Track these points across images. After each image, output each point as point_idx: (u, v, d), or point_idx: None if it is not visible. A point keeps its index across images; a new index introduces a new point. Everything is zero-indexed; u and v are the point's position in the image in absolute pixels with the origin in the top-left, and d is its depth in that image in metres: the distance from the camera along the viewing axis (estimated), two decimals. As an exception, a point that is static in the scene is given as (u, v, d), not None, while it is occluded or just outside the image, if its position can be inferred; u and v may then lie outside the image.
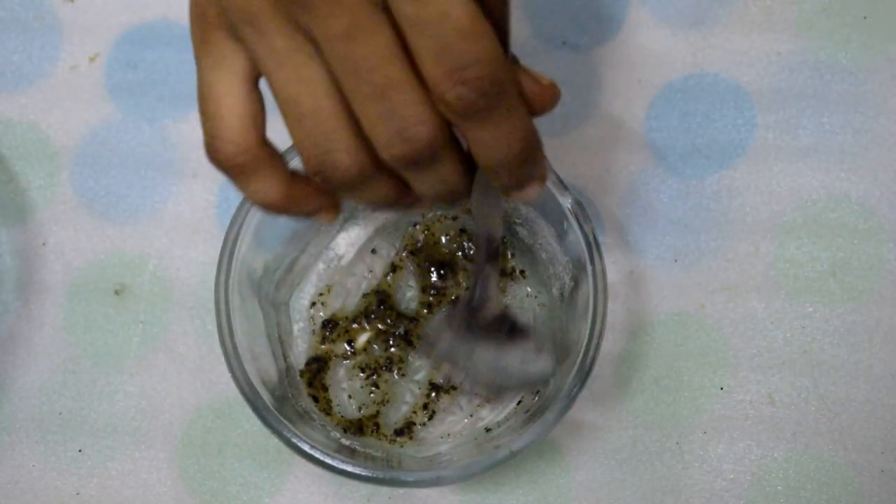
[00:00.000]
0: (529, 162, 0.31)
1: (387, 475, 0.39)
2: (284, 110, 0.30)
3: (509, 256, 0.46)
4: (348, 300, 0.46)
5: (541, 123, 0.48)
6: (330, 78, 0.29)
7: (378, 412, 0.45)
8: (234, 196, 0.47)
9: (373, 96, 0.28)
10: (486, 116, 0.29)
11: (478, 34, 0.27)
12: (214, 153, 0.31)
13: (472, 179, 0.32)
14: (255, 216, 0.42)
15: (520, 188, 0.32)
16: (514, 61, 0.30)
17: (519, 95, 0.30)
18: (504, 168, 0.31)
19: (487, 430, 0.44)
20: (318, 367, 0.45)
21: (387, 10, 0.27)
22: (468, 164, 0.31)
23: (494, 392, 0.44)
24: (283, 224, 0.44)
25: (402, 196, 0.32)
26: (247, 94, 0.31)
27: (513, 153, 0.30)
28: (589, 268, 0.41)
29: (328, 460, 0.39)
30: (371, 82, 0.28)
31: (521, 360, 0.42)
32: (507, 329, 0.43)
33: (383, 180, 0.31)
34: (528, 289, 0.46)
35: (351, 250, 0.47)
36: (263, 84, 0.31)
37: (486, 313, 0.42)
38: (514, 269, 0.46)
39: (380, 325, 0.46)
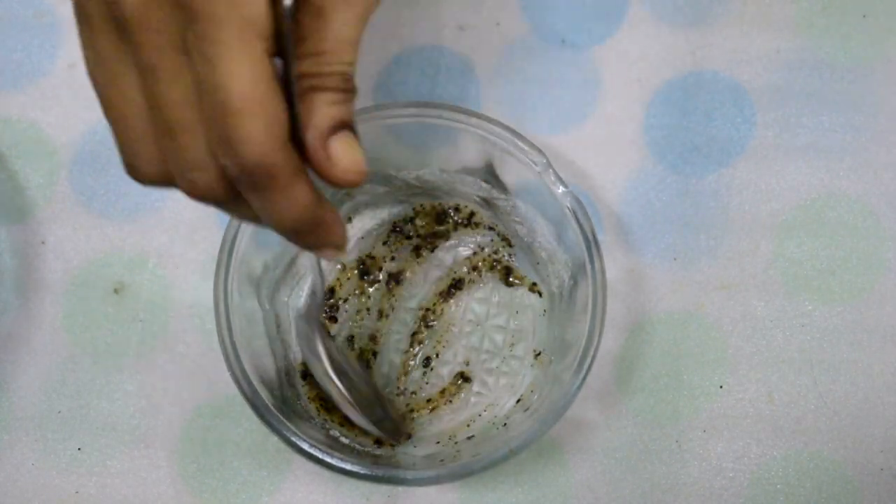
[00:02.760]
0: (312, 233, 0.30)
1: (386, 473, 0.39)
2: (100, 100, 0.29)
3: (507, 257, 0.46)
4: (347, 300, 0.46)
5: (539, 122, 0.48)
6: (142, 93, 0.28)
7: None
8: (234, 194, 0.47)
9: (165, 132, 0.28)
10: (253, 190, 0.28)
11: (250, 114, 0.26)
12: None
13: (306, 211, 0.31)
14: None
15: (310, 250, 0.32)
16: (344, 126, 0.29)
17: (300, 173, 0.29)
18: (283, 233, 0.31)
19: (488, 427, 0.44)
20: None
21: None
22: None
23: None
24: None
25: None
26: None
27: (287, 226, 0.30)
28: (588, 266, 0.41)
29: (327, 459, 0.39)
30: (164, 119, 0.28)
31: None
32: None
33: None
34: (528, 287, 0.46)
35: (351, 249, 0.47)
36: None
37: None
38: (509, 272, 0.46)
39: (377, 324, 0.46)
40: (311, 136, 0.29)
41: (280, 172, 0.28)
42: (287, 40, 0.27)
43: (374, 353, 0.46)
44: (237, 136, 0.27)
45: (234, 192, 0.29)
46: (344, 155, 0.30)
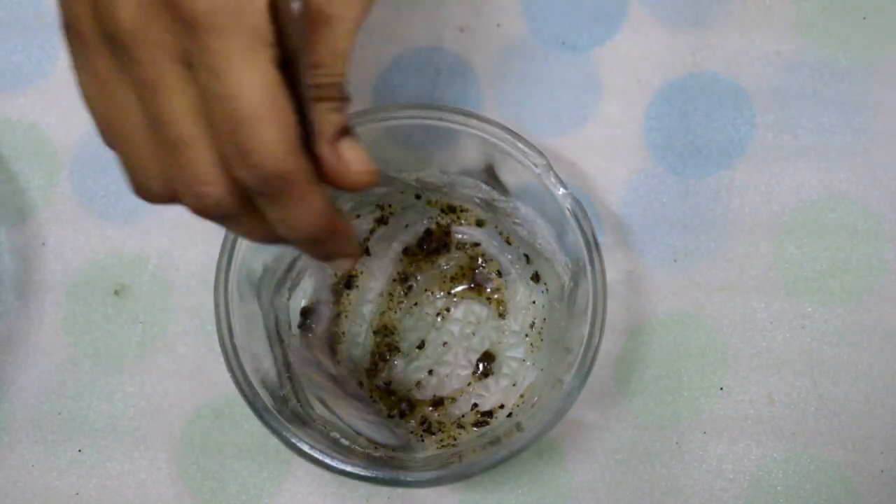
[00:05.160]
0: (327, 242, 0.30)
1: (386, 475, 0.39)
2: (97, 123, 0.29)
3: (513, 254, 0.47)
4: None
5: (540, 124, 0.48)
6: (142, 111, 0.28)
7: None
8: (234, 196, 0.47)
9: (168, 148, 0.28)
10: (270, 200, 0.28)
11: (264, 120, 0.26)
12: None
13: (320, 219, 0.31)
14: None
15: (324, 261, 0.32)
16: (346, 132, 0.30)
17: (314, 180, 0.29)
18: (299, 244, 0.31)
19: (488, 426, 0.44)
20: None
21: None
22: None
23: None
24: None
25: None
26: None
27: (303, 235, 0.30)
28: (588, 268, 0.41)
29: (328, 460, 0.39)
30: (166, 135, 0.27)
31: None
32: None
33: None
34: (528, 288, 0.46)
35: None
36: None
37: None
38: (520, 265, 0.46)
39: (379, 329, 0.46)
40: (322, 142, 0.29)
41: (297, 178, 0.28)
42: (299, 49, 0.27)
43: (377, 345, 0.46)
44: (252, 144, 0.26)
45: (243, 204, 0.29)
46: (354, 157, 0.30)
